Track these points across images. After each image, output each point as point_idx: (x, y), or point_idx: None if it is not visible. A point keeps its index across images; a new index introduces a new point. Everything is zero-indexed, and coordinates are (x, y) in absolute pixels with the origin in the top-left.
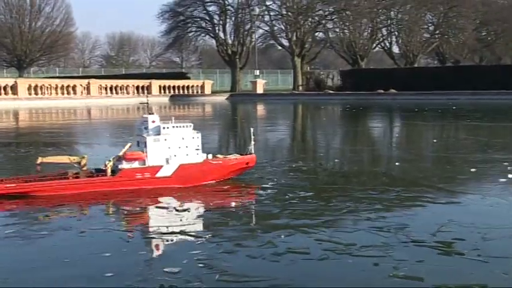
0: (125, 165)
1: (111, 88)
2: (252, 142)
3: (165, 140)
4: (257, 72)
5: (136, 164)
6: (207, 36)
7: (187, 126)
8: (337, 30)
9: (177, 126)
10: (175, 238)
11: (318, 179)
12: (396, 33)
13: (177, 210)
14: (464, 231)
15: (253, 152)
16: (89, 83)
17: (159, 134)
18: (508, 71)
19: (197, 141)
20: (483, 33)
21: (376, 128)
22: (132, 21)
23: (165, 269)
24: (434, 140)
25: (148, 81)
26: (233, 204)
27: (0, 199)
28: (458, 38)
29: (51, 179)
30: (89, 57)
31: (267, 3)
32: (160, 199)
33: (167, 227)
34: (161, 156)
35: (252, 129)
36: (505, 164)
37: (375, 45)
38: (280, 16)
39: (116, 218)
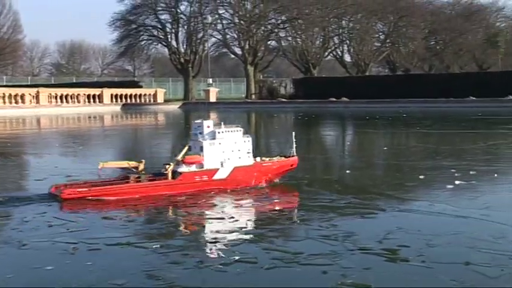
0: (184, 168)
1: (61, 97)
2: (294, 145)
3: (220, 144)
4: (210, 80)
5: (194, 168)
6: (160, 45)
7: (238, 131)
8: (290, 38)
9: (230, 131)
10: (122, 249)
11: (270, 187)
12: (348, 42)
13: (124, 221)
14: (410, 238)
15: (295, 154)
16: (38, 91)
17: (214, 139)
18: (456, 79)
19: (248, 144)
20: (432, 43)
21: (328, 136)
22: (83, 29)
23: (109, 281)
24: (385, 148)
25: (100, 89)
26: (181, 213)
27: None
28: (408, 47)
29: (118, 183)
30: (38, 65)
31: (220, 11)
32: (109, 210)
33: (114, 237)
34: (217, 160)
35: (293, 133)
36: (453, 170)
37: (327, 53)
38: (232, 25)
39: (61, 228)
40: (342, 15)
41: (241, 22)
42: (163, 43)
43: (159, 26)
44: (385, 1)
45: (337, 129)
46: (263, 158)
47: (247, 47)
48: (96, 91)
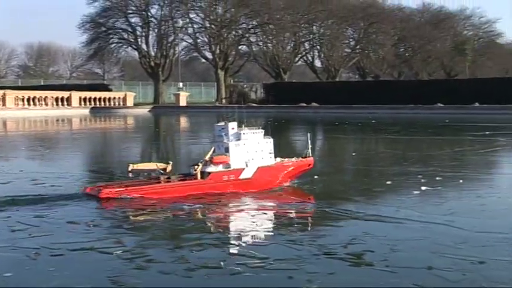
0: (212, 168)
1: (28, 99)
2: (309, 146)
3: (244, 144)
4: (180, 84)
5: (221, 168)
6: (130, 48)
7: (259, 132)
8: (261, 43)
9: (253, 132)
10: (86, 254)
11: (238, 192)
12: (318, 47)
13: (88, 226)
14: (375, 243)
15: (311, 154)
16: (4, 94)
17: (239, 140)
18: (424, 86)
19: (270, 145)
20: (401, 49)
21: (297, 141)
22: (51, 31)
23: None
24: (354, 153)
25: (68, 92)
26: (144, 218)
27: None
28: (378, 53)
29: (152, 183)
30: (4, 67)
31: (191, 15)
32: (72, 215)
33: (77, 242)
34: (242, 160)
35: (309, 134)
36: (419, 176)
37: (297, 59)
38: (203, 29)
39: (23, 233)
40: (313, 20)
41: (212, 26)
42: (134, 46)
43: (129, 29)
44: (355, 7)
45: (307, 134)
46: (283, 159)
47: (218, 51)
48: (64, 94)
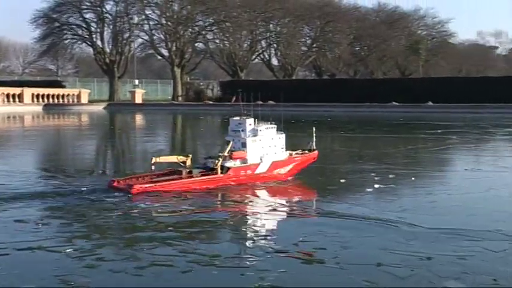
0: (231, 163)
1: None
2: (314, 139)
3: (260, 140)
4: (136, 81)
5: (238, 163)
6: (84, 44)
7: (273, 128)
8: (217, 41)
9: (267, 128)
10: (33, 253)
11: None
12: (275, 45)
13: (36, 225)
14: (326, 240)
15: (315, 148)
16: None
17: (256, 135)
18: (380, 85)
19: (282, 140)
20: (357, 48)
21: None
22: (3, 25)
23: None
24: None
25: (20, 89)
26: (96, 216)
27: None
28: (334, 52)
29: (176, 178)
30: None
31: (146, 12)
32: (20, 214)
33: (25, 242)
34: (257, 155)
35: (314, 128)
36: (373, 174)
37: (254, 56)
38: (159, 26)
39: None
40: (270, 19)
41: (169, 23)
42: (88, 42)
43: (84, 25)
44: (312, 6)
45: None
46: (291, 153)
47: (174, 48)
48: (16, 90)
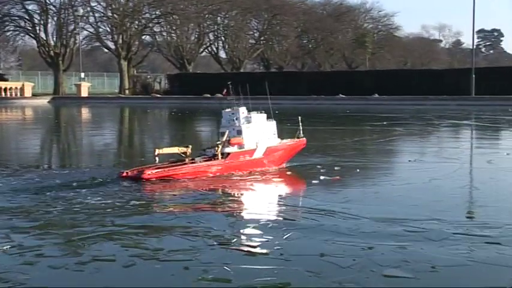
0: (230, 149)
1: None
2: (300, 128)
3: (254, 127)
4: (82, 74)
5: (236, 148)
6: (27, 37)
7: (263, 115)
8: (165, 34)
9: (258, 115)
10: None
11: (135, 185)
12: (223, 38)
13: None
14: (269, 233)
15: (302, 136)
16: None
17: (250, 122)
18: (327, 77)
19: (273, 126)
20: (304, 41)
21: (201, 131)
22: None
23: None
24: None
25: None
26: (36, 211)
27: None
28: (281, 44)
29: (185, 164)
30: None
31: (92, 4)
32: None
33: None
34: (253, 141)
35: (299, 117)
36: (319, 166)
37: (202, 49)
38: (105, 18)
39: None
40: (217, 11)
41: (115, 16)
42: (31, 35)
43: (26, 17)
44: None
45: (212, 125)
46: (281, 140)
47: (120, 41)
48: None
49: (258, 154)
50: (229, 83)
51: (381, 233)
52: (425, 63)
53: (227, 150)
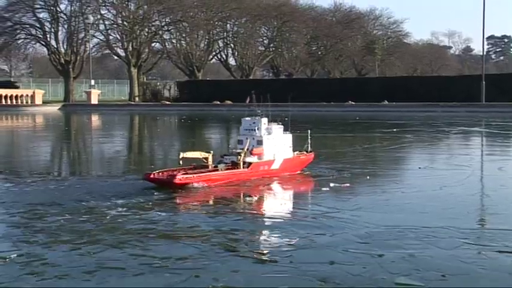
0: (252, 159)
1: None
2: (309, 141)
3: (273, 138)
4: (92, 82)
5: (256, 159)
6: (38, 44)
7: (281, 127)
8: (174, 41)
9: (278, 127)
10: None
11: (152, 191)
12: (232, 45)
13: None
14: (279, 240)
15: (311, 149)
16: None
17: (270, 134)
18: (336, 84)
19: (290, 140)
20: (314, 48)
21: (211, 139)
22: None
23: None
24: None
25: None
26: (43, 219)
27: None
28: (291, 51)
29: (209, 171)
30: None
31: (102, 12)
32: None
33: None
34: (271, 152)
35: (309, 131)
36: (329, 173)
37: (211, 56)
38: (115, 25)
39: None
40: (227, 18)
41: (125, 23)
42: (42, 42)
43: (37, 25)
44: (268, 6)
45: (221, 131)
46: (295, 152)
47: (130, 48)
48: None
49: (275, 165)
50: (252, 91)
51: (391, 240)
52: (435, 69)
53: (248, 159)
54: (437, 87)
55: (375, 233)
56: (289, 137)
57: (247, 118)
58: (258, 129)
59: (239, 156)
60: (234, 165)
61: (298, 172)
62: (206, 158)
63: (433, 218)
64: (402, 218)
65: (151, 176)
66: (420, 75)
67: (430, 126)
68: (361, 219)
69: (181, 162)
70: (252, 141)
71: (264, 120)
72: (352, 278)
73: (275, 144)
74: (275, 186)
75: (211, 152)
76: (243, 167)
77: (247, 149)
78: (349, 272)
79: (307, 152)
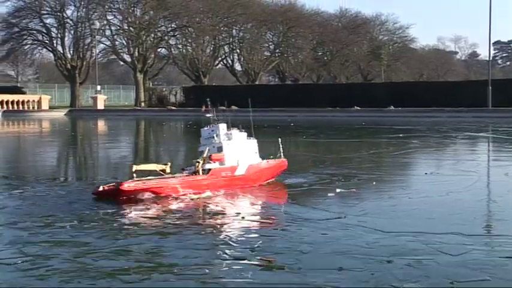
0: (212, 165)
1: None
2: (281, 149)
3: (235, 143)
4: (98, 87)
5: (217, 165)
6: (45, 50)
7: (243, 133)
8: (180, 46)
9: (238, 133)
10: None
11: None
12: (238, 51)
13: None
14: (286, 246)
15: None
16: None
17: (230, 139)
18: (342, 89)
19: (255, 145)
20: (320, 53)
21: None
22: None
23: None
24: (271, 156)
25: None
26: (48, 225)
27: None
28: (297, 57)
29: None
30: None
31: (108, 17)
32: None
33: None
34: (234, 158)
35: (279, 139)
36: (335, 179)
37: (217, 62)
38: (121, 31)
39: None
40: (232, 24)
41: (131, 29)
42: (49, 48)
43: (44, 31)
44: (274, 11)
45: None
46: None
47: (136, 54)
48: None
49: (240, 171)
50: (207, 99)
51: (399, 246)
52: (441, 75)
53: (208, 166)
54: (443, 93)
55: (382, 238)
56: (254, 142)
57: (205, 128)
58: (217, 135)
59: (197, 163)
60: (193, 173)
61: (271, 180)
62: (163, 170)
63: (440, 224)
64: (409, 223)
65: (100, 189)
66: (426, 81)
67: (437, 132)
68: (368, 224)
69: (135, 175)
70: (212, 149)
71: (223, 126)
72: (361, 284)
73: (238, 149)
74: (274, 191)
75: (169, 163)
76: (203, 174)
77: (207, 156)
78: (358, 278)
79: (278, 158)
